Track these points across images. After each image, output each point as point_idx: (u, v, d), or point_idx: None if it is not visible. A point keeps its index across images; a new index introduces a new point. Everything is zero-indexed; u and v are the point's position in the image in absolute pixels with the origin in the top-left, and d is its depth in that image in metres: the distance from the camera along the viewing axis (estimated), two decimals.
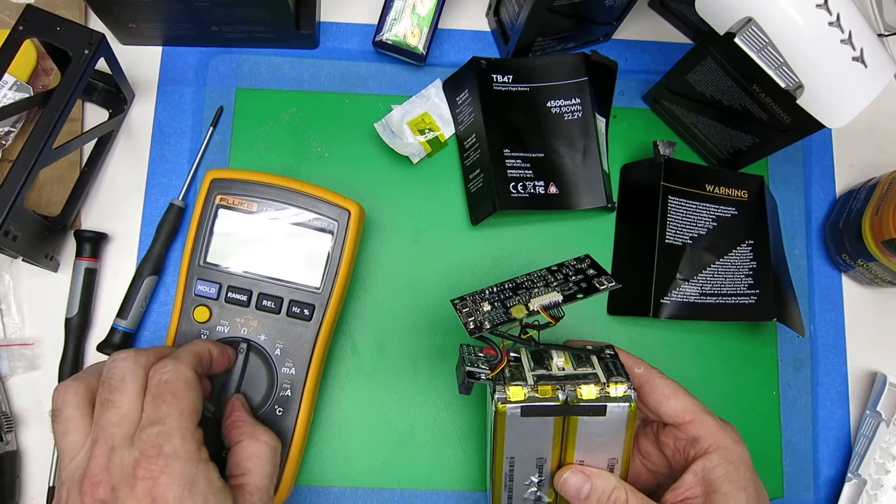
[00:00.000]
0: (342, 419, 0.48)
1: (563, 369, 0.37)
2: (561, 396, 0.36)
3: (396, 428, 0.48)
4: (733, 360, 0.51)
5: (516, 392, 0.36)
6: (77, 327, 0.47)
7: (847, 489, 0.49)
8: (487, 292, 0.39)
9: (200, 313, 0.43)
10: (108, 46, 0.45)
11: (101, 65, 0.45)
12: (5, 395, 0.47)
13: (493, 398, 0.36)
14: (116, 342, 0.47)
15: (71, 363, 0.47)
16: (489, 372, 0.37)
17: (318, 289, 0.44)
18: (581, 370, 0.37)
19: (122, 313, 0.47)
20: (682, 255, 0.48)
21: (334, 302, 0.44)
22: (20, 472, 0.47)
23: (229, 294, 0.43)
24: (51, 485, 0.46)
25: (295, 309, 0.43)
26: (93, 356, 0.48)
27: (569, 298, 0.37)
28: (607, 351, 0.39)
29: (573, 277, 0.38)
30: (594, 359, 0.38)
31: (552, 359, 0.38)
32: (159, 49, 0.53)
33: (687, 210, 0.49)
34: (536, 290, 0.38)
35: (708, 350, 0.51)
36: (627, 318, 0.51)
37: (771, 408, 0.51)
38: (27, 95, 0.50)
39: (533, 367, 0.38)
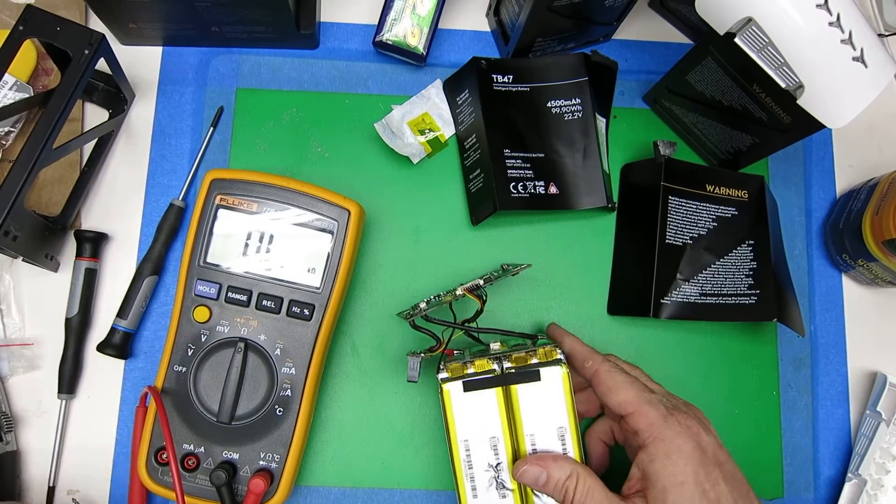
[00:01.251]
0: (342, 419, 0.48)
1: (498, 349, 0.42)
2: (496, 367, 0.39)
3: (396, 428, 0.48)
4: (733, 360, 0.51)
5: (455, 368, 0.40)
6: (77, 327, 0.47)
7: (847, 489, 0.49)
8: (425, 297, 0.44)
9: (200, 313, 0.43)
10: (108, 46, 0.45)
11: (102, 65, 0.45)
12: (5, 395, 0.47)
13: (439, 382, 0.39)
14: (116, 342, 0.47)
15: (71, 363, 0.47)
16: (429, 353, 0.42)
17: (318, 289, 0.44)
18: (514, 348, 0.42)
19: (122, 313, 0.47)
20: (682, 255, 0.48)
21: (334, 302, 0.44)
22: (20, 472, 0.47)
23: (229, 294, 0.43)
24: (51, 485, 0.46)
25: (295, 309, 0.43)
26: (93, 356, 0.48)
27: (487, 281, 0.43)
28: (540, 336, 0.43)
29: (495, 273, 0.45)
30: (528, 342, 0.43)
31: (489, 346, 0.42)
32: (159, 49, 0.53)
33: (687, 210, 0.49)
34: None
35: (708, 350, 0.51)
36: (627, 318, 0.51)
37: (771, 408, 0.51)
38: (27, 95, 0.50)
39: (472, 353, 0.43)
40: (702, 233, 0.49)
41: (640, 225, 0.50)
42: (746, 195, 0.50)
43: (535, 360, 0.39)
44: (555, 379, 0.39)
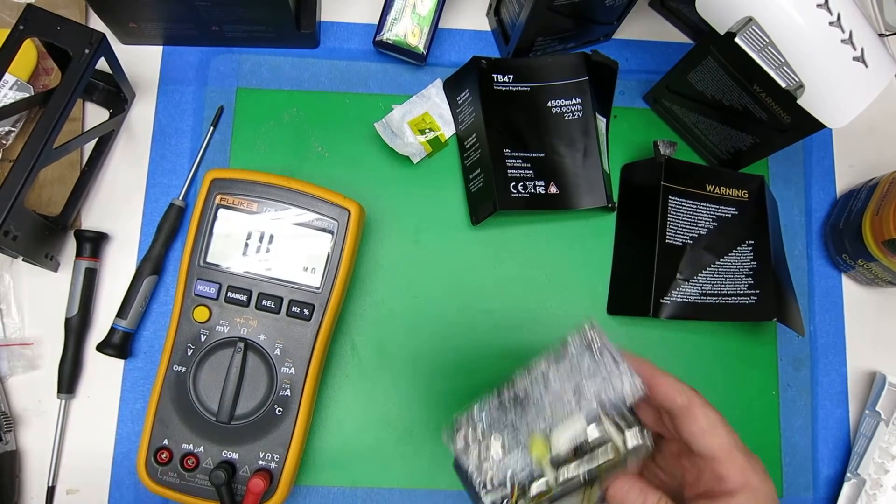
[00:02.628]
0: (342, 419, 0.48)
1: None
2: None
3: (396, 428, 0.48)
4: (733, 360, 0.51)
5: None
6: (77, 327, 0.47)
7: (846, 489, 0.49)
8: (491, 409, 0.32)
9: (200, 313, 0.43)
10: (108, 46, 0.45)
11: (102, 64, 0.45)
12: (5, 394, 0.47)
13: None
14: (116, 342, 0.47)
15: (71, 363, 0.47)
16: None
17: (317, 288, 0.44)
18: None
19: (122, 313, 0.47)
20: (682, 255, 0.48)
21: (334, 302, 0.44)
22: (19, 472, 0.47)
23: (229, 294, 0.43)
24: (50, 484, 0.46)
25: (295, 309, 0.43)
26: (92, 356, 0.48)
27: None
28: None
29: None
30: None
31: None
32: (160, 48, 0.53)
33: (687, 210, 0.49)
34: (550, 408, 0.32)
35: (708, 350, 0.51)
36: (627, 318, 0.51)
37: (771, 408, 0.51)
38: (27, 95, 0.49)
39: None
40: (702, 233, 0.49)
41: (641, 225, 0.50)
42: (746, 195, 0.50)
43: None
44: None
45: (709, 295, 0.48)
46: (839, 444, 0.51)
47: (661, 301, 0.47)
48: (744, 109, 0.47)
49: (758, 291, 0.48)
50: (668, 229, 0.48)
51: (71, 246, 0.49)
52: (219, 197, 0.44)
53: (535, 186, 0.49)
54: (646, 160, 0.52)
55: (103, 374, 0.48)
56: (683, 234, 0.48)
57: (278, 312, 0.43)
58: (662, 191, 0.48)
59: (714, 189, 0.50)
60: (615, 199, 0.52)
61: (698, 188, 0.50)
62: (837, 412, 0.51)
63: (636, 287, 0.49)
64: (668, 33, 0.57)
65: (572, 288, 0.51)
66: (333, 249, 0.44)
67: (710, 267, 0.48)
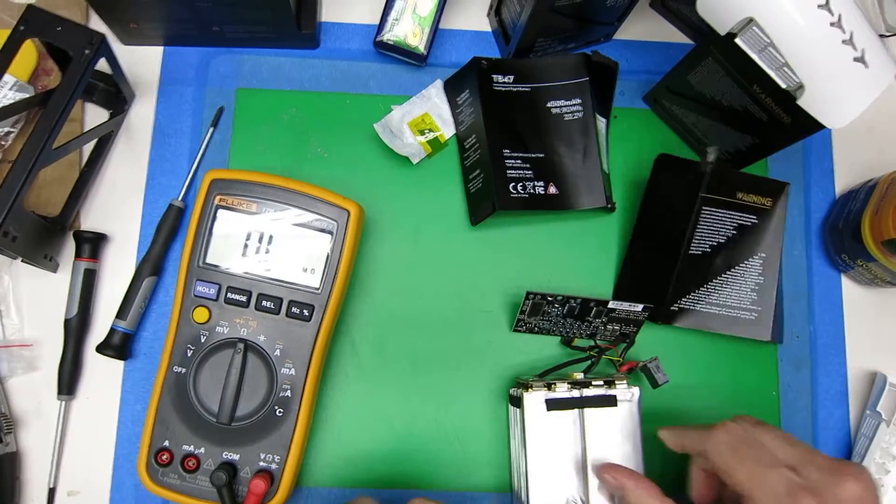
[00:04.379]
0: (342, 420, 0.48)
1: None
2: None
3: (396, 428, 0.48)
4: (733, 360, 0.51)
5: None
6: (76, 328, 0.47)
7: None
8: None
9: (200, 314, 0.43)
10: (108, 46, 0.45)
11: (102, 65, 0.45)
12: (5, 396, 0.47)
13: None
14: (116, 343, 0.47)
15: (70, 364, 0.47)
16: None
17: (317, 289, 0.43)
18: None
19: (121, 314, 0.47)
20: (699, 264, 0.48)
21: (334, 302, 0.44)
22: (20, 474, 0.47)
23: (229, 295, 0.43)
24: (51, 486, 0.46)
25: (294, 309, 0.43)
26: (92, 357, 0.48)
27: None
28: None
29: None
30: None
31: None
32: (160, 49, 0.53)
33: (714, 218, 0.48)
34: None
35: (708, 350, 0.51)
36: None
37: (771, 408, 0.51)
38: (27, 95, 0.49)
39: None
40: (721, 241, 0.48)
41: (662, 227, 0.49)
42: (770, 203, 0.49)
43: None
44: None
45: (713, 305, 0.48)
46: (840, 444, 0.51)
47: (671, 309, 0.47)
48: (744, 110, 0.47)
49: (759, 308, 0.48)
50: (694, 239, 0.47)
51: (70, 247, 0.49)
52: (218, 197, 0.44)
53: (534, 187, 0.49)
54: (687, 161, 0.50)
55: (103, 376, 0.48)
56: (705, 244, 0.48)
57: (278, 313, 0.43)
58: (700, 202, 0.47)
59: (743, 196, 0.49)
60: (618, 198, 0.52)
61: (730, 196, 0.48)
62: (838, 413, 0.51)
63: (644, 291, 0.48)
64: (669, 34, 0.57)
65: (571, 288, 0.51)
66: (333, 250, 0.44)
67: (719, 277, 0.48)
